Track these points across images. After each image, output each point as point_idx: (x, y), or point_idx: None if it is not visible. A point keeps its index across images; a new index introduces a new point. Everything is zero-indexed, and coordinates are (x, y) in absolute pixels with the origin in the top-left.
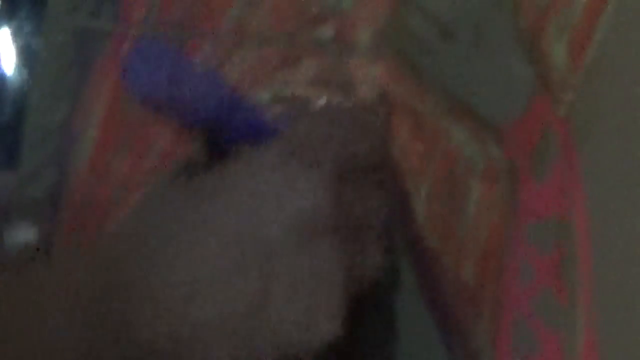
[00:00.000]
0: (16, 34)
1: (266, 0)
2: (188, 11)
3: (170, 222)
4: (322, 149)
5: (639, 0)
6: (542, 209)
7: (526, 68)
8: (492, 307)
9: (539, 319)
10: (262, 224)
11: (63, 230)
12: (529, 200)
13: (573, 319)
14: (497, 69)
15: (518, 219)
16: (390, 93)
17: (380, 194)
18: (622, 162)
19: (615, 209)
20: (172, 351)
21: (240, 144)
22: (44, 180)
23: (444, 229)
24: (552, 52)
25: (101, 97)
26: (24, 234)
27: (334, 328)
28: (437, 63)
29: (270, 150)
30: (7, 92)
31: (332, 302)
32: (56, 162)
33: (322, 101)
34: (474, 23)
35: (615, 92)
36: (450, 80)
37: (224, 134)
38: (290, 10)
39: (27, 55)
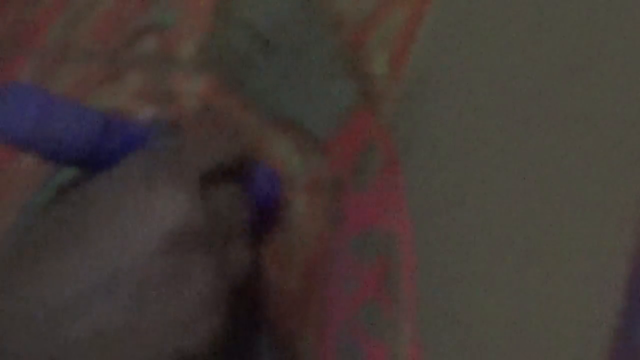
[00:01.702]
0: None
1: (89, 16)
2: (10, 29)
3: (37, 240)
4: (183, 158)
5: (457, 11)
6: (365, 220)
7: (347, 81)
8: (317, 318)
9: (365, 330)
10: (129, 235)
11: None
12: (352, 211)
13: (398, 331)
14: (318, 82)
15: (342, 230)
16: (212, 106)
17: (242, 195)
18: (444, 172)
19: (438, 221)
20: None
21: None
22: None
23: (269, 239)
24: (372, 65)
25: None
26: None
27: (213, 325)
28: (260, 77)
29: (133, 164)
30: None
31: (207, 301)
32: None
33: (146, 113)
34: (295, 38)
35: (436, 102)
36: (273, 93)
37: (101, 160)
38: (113, 25)
39: None
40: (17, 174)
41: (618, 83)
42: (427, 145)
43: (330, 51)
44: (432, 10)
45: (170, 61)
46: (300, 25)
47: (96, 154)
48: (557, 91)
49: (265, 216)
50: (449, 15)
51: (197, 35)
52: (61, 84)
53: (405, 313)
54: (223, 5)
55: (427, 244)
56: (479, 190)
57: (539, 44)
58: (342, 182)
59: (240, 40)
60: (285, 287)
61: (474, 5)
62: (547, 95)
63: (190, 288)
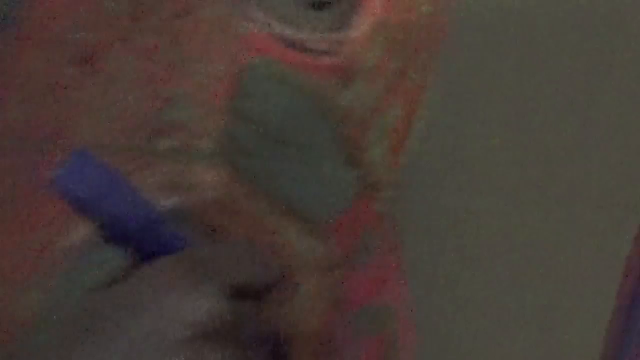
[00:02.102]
0: None
1: (116, 112)
2: (41, 123)
3: (86, 323)
4: (217, 266)
5: (449, 101)
6: (364, 297)
7: (349, 170)
8: None
9: None
10: (164, 325)
11: None
12: (353, 289)
13: None
14: (322, 172)
15: (344, 306)
16: (227, 196)
17: (271, 311)
18: (442, 250)
19: (437, 297)
20: None
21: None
22: None
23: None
24: (372, 154)
25: None
26: None
27: None
28: (269, 168)
29: (170, 266)
30: None
31: None
32: None
33: (170, 202)
34: (302, 131)
35: (432, 186)
36: (282, 182)
37: (140, 249)
38: (136, 123)
39: None
40: (59, 250)
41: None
42: (425, 227)
43: (335, 143)
44: (426, 103)
45: (190, 155)
46: (308, 120)
47: (139, 238)
48: (550, 177)
49: None
50: (442, 106)
51: (213, 131)
52: None
53: None
54: (236, 104)
55: (428, 317)
56: (474, 267)
57: (528, 123)
58: (343, 263)
59: (252, 135)
60: None
61: (465, 95)
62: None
63: None
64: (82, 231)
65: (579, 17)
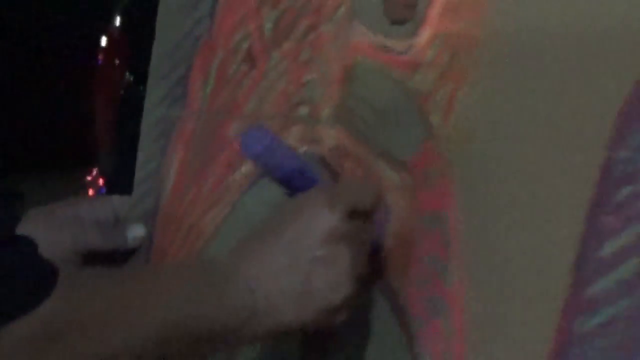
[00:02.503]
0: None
1: (269, 95)
2: (225, 103)
3: (264, 231)
4: (340, 197)
5: (485, 84)
6: (430, 206)
7: (419, 126)
8: (405, 273)
9: (441, 283)
10: (306, 233)
11: (155, 236)
12: (423, 201)
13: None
14: (402, 127)
15: (417, 211)
16: (341, 146)
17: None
18: (483, 175)
19: (484, 210)
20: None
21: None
22: (146, 203)
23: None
24: (432, 118)
25: (175, 158)
26: (133, 239)
27: (350, 291)
28: (370, 130)
29: (313, 196)
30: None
31: (347, 275)
32: (154, 193)
33: (303, 149)
34: (390, 102)
35: (471, 142)
36: (377, 135)
37: (292, 186)
38: (285, 99)
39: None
40: (234, 181)
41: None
42: (470, 164)
43: (410, 110)
44: (471, 82)
45: (317, 120)
46: (394, 95)
47: (289, 180)
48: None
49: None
50: (485, 80)
51: (331, 104)
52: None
53: (456, 261)
54: (347, 87)
55: (473, 227)
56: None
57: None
58: (417, 185)
59: (359, 105)
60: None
61: (490, 83)
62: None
63: (337, 266)
64: (245, 168)
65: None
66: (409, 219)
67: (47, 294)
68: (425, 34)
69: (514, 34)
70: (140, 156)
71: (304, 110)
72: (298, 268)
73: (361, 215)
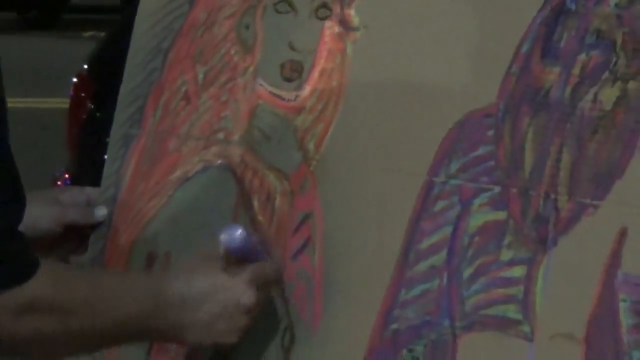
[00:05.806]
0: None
1: (199, 122)
2: (167, 125)
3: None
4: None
5: (349, 120)
6: (303, 206)
7: (299, 152)
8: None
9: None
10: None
11: (115, 215)
12: (297, 204)
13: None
14: (286, 153)
15: (293, 211)
16: (245, 161)
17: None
18: (341, 186)
19: (339, 209)
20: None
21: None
22: (110, 192)
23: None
24: (308, 146)
25: (131, 162)
26: (100, 216)
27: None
28: (265, 151)
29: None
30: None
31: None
32: (115, 185)
33: (219, 162)
34: (280, 133)
35: (339, 165)
36: (269, 156)
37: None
38: (208, 127)
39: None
40: (170, 180)
41: None
42: (331, 178)
43: (294, 140)
44: (335, 123)
45: (229, 142)
46: (282, 129)
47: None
48: None
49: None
50: (345, 122)
51: (241, 132)
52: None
53: (319, 243)
54: (252, 121)
55: (334, 227)
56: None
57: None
58: (294, 192)
59: (259, 136)
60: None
61: (353, 123)
62: None
63: (238, 324)
64: (179, 172)
65: None
66: (285, 216)
67: (30, 276)
68: (307, 89)
69: (367, 90)
70: (108, 159)
71: (220, 135)
72: (214, 309)
73: (267, 285)
